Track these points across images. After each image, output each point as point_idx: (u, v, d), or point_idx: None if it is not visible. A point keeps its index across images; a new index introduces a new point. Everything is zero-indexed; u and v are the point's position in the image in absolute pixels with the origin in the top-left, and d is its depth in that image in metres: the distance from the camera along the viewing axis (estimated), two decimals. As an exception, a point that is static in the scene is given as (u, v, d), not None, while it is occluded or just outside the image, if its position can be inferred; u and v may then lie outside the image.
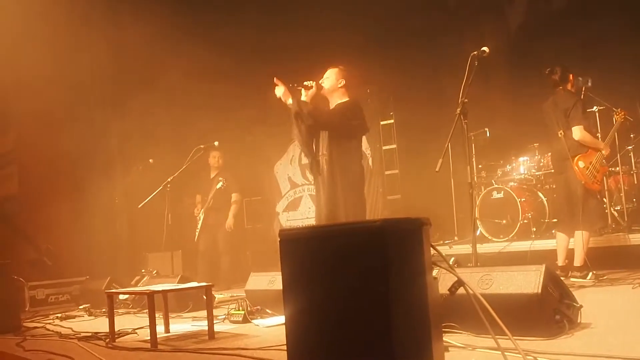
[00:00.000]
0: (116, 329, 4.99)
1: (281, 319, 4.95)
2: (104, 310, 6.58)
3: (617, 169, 7.33)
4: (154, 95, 8.82)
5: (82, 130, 9.33)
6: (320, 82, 5.51)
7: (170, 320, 5.44)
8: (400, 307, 2.28)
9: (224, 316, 5.61)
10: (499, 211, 7.65)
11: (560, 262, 6.33)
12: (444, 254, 3.34)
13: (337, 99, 5.53)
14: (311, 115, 5.24)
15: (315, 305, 2.49)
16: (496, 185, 7.86)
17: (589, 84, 6.43)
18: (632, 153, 7.58)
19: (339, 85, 5.49)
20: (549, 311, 3.68)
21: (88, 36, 9.05)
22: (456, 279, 2.67)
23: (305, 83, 5.45)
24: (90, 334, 5.21)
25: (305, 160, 8.74)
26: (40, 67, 8.22)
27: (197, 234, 9.03)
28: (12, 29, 8.03)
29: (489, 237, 7.74)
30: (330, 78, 5.50)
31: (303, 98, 5.42)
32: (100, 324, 5.86)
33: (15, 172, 9.25)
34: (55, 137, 8.96)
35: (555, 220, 7.24)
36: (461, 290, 2.78)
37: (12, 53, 8.19)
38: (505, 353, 2.66)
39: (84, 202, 9.33)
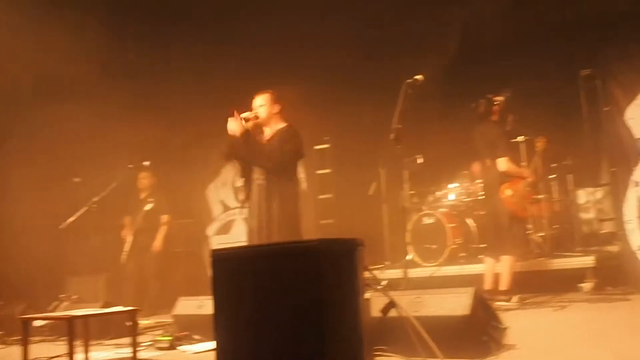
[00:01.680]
0: (32, 359, 4.74)
1: (210, 344, 4.84)
2: (18, 338, 6.23)
3: (541, 196, 7.58)
4: (82, 111, 8.56)
5: (1, 142, 8.95)
6: (254, 111, 5.42)
7: (91, 348, 5.16)
8: (335, 328, 2.28)
9: (149, 342, 5.44)
10: (429, 236, 7.76)
11: (487, 285, 6.49)
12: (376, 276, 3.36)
13: (274, 126, 5.44)
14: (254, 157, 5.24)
15: (246, 325, 2.47)
16: (427, 211, 7.99)
17: (508, 94, 6.66)
18: (553, 182, 7.86)
19: (274, 112, 5.44)
20: (476, 333, 3.76)
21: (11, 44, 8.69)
22: (388, 300, 2.69)
23: (243, 115, 5.34)
24: (0, 364, 4.93)
25: (239, 183, 8.67)
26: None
27: (124, 256, 8.80)
28: None
29: (420, 262, 7.84)
30: (265, 106, 5.40)
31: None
32: (13, 354, 5.53)
33: None
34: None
35: (483, 245, 7.42)
36: (392, 313, 2.81)
37: None
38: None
39: (0, 221, 8.92)
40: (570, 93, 8.07)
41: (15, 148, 9.03)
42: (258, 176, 5.36)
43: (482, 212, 7.61)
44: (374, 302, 3.60)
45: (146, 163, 7.96)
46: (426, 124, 8.26)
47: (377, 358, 3.74)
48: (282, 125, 5.44)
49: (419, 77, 4.87)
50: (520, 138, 7.43)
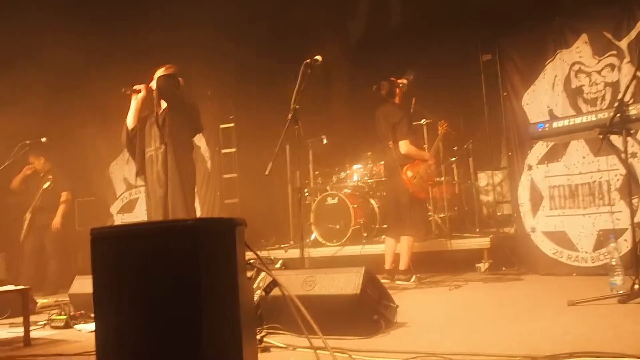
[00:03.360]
0: None
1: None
2: None
3: (441, 179, 7.78)
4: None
5: None
6: (150, 84, 5.44)
7: (-17, 327, 5.07)
8: (211, 306, 2.26)
9: (45, 322, 5.33)
10: (333, 216, 7.85)
11: (388, 265, 6.63)
12: (271, 257, 3.36)
13: None
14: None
15: (125, 306, 2.42)
16: (331, 192, 8.07)
17: (412, 77, 6.78)
18: (455, 165, 8.09)
19: None
20: (367, 311, 3.84)
21: None
22: (271, 279, 2.70)
23: (135, 87, 5.39)
24: None
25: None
26: None
27: (22, 235, 8.51)
28: None
29: (323, 242, 7.92)
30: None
31: (133, 103, 5.39)
32: None
33: None
34: None
35: (384, 226, 7.56)
36: (276, 292, 2.82)
37: None
38: (318, 352, 2.72)
39: None
40: (471, 77, 8.32)
41: None
42: (148, 149, 5.38)
43: (384, 193, 7.75)
44: (266, 281, 3.62)
45: (43, 139, 7.66)
46: (332, 105, 8.33)
47: (269, 335, 3.78)
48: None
49: (318, 57, 4.88)
50: (422, 121, 7.59)
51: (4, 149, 7.80)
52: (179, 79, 5.50)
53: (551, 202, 6.61)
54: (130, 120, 5.60)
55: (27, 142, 7.59)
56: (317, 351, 2.76)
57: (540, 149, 6.69)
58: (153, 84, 5.46)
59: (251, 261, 2.70)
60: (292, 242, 8.41)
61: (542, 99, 6.73)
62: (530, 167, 6.77)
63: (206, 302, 2.25)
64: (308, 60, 4.87)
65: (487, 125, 8.27)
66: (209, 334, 2.24)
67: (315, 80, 5.02)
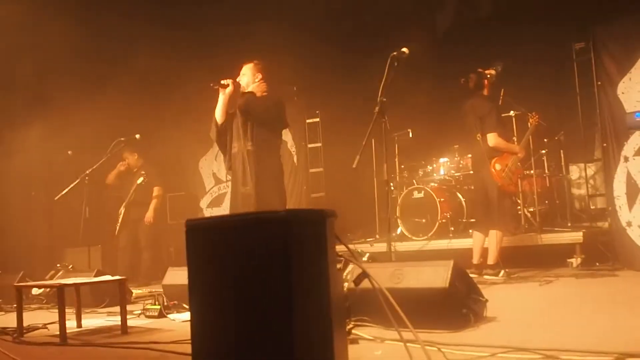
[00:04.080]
0: (27, 325, 4.84)
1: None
2: (15, 305, 6.35)
3: (531, 171, 7.58)
4: (75, 86, 8.58)
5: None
6: (237, 79, 5.53)
7: (84, 315, 5.32)
8: (302, 297, 2.29)
9: (140, 311, 5.54)
10: (419, 210, 7.80)
11: (476, 260, 6.53)
12: (359, 250, 3.38)
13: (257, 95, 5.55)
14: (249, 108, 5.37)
15: (219, 295, 2.49)
16: (417, 185, 8.01)
17: (500, 68, 6.63)
18: (545, 157, 7.85)
19: (256, 80, 5.51)
20: (456, 305, 3.79)
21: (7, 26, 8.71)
22: (361, 271, 2.71)
23: (222, 82, 5.47)
24: (-4, 329, 5.03)
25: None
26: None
27: (117, 228, 8.88)
28: None
29: (409, 236, 7.88)
30: (247, 74, 5.54)
31: (221, 98, 5.49)
32: (11, 320, 5.65)
33: None
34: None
35: (472, 220, 7.44)
36: (365, 285, 2.83)
37: None
38: (408, 344, 2.72)
39: (-1, 194, 9.01)
40: (563, 67, 8.05)
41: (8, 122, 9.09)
42: (236, 144, 5.46)
43: (471, 187, 7.63)
44: (354, 274, 3.65)
45: (137, 136, 7.96)
46: (417, 98, 8.25)
47: (357, 327, 3.80)
48: (264, 94, 5.55)
49: (404, 49, 4.85)
50: (511, 112, 7.42)
51: (99, 146, 8.16)
52: (259, 76, 5.56)
53: (648, 196, 6.33)
54: (219, 115, 5.66)
55: (122, 139, 7.88)
56: (406, 344, 2.75)
57: (637, 139, 6.42)
58: (241, 79, 5.55)
59: (340, 253, 2.72)
60: (377, 236, 8.41)
61: (638, 87, 6.44)
62: (626, 159, 6.50)
63: (297, 293, 2.28)
64: (395, 53, 4.85)
65: (579, 116, 7.98)
66: (301, 325, 2.27)
67: (401, 73, 4.98)
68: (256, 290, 2.36)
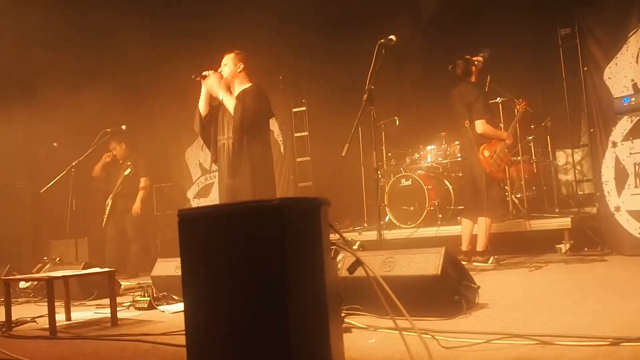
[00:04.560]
0: (15, 318, 4.79)
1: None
2: (2, 299, 6.30)
3: (519, 158, 7.60)
4: (60, 77, 8.49)
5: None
6: (219, 70, 5.47)
7: (73, 308, 5.27)
8: (297, 286, 2.28)
9: (129, 303, 5.51)
10: (407, 198, 7.80)
11: (464, 247, 6.55)
12: (349, 238, 3.35)
13: (239, 85, 5.49)
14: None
15: (213, 285, 2.47)
16: (404, 173, 8.01)
17: (487, 55, 6.63)
18: (532, 143, 7.88)
19: (238, 70, 5.47)
20: (448, 292, 3.79)
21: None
22: (355, 259, 2.69)
23: (204, 73, 5.42)
24: (-17, 323, 4.97)
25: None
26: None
27: (104, 220, 8.82)
28: None
29: (397, 224, 7.89)
30: (228, 64, 5.46)
31: (203, 90, 5.42)
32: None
33: None
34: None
35: (460, 207, 7.45)
36: (359, 273, 2.81)
37: None
38: (403, 333, 2.70)
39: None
40: (549, 53, 8.05)
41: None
42: (221, 137, 5.41)
43: (459, 174, 7.63)
44: (346, 262, 3.63)
45: (123, 127, 7.89)
46: (404, 86, 8.24)
47: (349, 316, 3.79)
48: (247, 85, 5.48)
49: (392, 37, 4.82)
50: (498, 99, 7.43)
51: (85, 138, 8.08)
52: (241, 65, 5.49)
53: (637, 180, 6.35)
54: (202, 107, 5.57)
55: (108, 130, 7.82)
56: (402, 332, 2.73)
57: (625, 124, 6.43)
58: (223, 69, 5.48)
59: (333, 241, 2.70)
60: (366, 225, 8.41)
61: (625, 72, 6.46)
62: (614, 144, 6.52)
63: (292, 281, 2.26)
64: (382, 40, 4.83)
65: (566, 102, 7.99)
66: (296, 313, 2.25)
67: (389, 60, 4.96)
68: (251, 279, 2.34)
